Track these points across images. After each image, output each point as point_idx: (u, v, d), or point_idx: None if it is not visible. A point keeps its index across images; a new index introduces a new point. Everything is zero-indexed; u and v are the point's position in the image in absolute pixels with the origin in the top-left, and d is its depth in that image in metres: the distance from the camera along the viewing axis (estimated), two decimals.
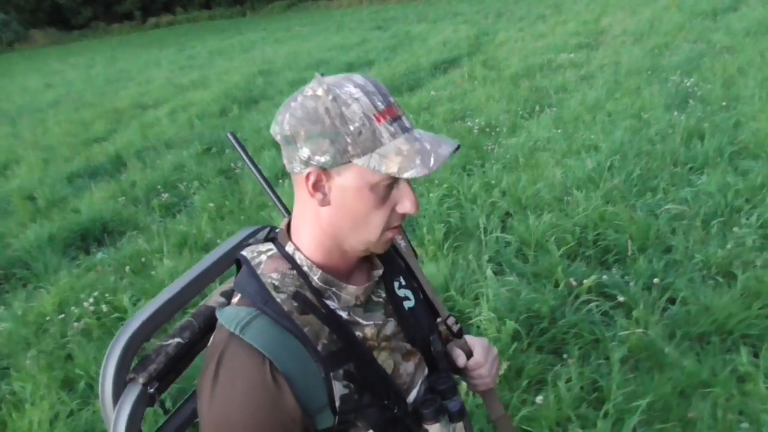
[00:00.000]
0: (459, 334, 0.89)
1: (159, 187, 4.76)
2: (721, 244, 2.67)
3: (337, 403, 0.68)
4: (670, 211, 3.00)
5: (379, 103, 0.67)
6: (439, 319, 0.90)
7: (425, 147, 0.66)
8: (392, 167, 0.65)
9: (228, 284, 0.85)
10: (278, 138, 0.70)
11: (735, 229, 2.79)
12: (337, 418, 0.69)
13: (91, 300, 2.96)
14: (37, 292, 3.31)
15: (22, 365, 2.57)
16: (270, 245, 0.75)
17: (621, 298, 2.41)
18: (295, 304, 0.69)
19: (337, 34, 13.77)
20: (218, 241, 3.62)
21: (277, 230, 0.80)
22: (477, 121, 5.07)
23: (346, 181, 0.68)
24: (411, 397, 0.78)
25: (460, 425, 0.80)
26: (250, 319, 0.67)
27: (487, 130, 4.87)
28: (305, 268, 0.73)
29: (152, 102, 8.57)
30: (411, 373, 0.79)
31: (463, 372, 0.90)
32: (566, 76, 6.10)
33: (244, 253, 0.75)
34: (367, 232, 0.71)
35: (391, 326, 0.78)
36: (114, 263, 3.53)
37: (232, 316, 0.68)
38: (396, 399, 0.75)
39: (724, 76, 5.11)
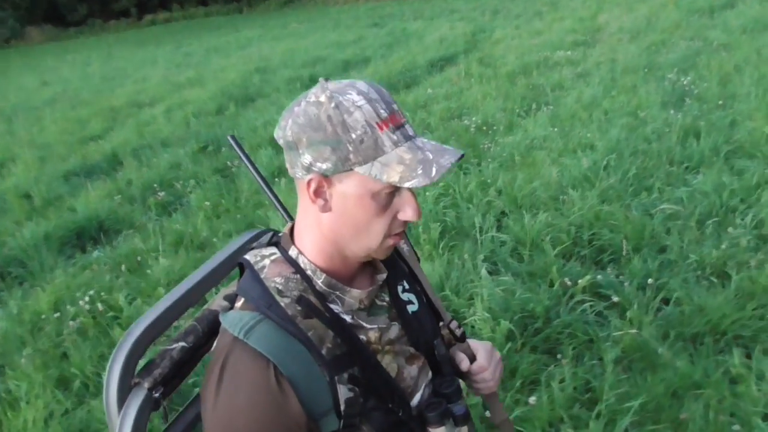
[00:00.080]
0: (462, 338, 0.90)
1: (155, 185, 4.75)
2: (716, 245, 2.68)
3: (342, 407, 0.69)
4: (665, 210, 3.01)
5: (381, 111, 0.66)
6: (441, 323, 0.90)
7: (427, 156, 0.66)
8: (394, 176, 0.65)
9: (231, 288, 0.85)
10: (281, 142, 0.71)
11: (730, 229, 2.80)
12: (342, 422, 0.69)
13: (87, 299, 2.96)
14: (33, 291, 3.31)
15: (17, 364, 2.58)
16: (273, 249, 0.75)
17: (615, 299, 2.42)
18: (299, 308, 0.69)
19: (334, 32, 13.73)
20: (214, 239, 3.62)
21: (280, 234, 0.80)
22: (474, 119, 5.07)
23: (347, 189, 0.68)
24: (415, 400, 0.78)
25: (464, 429, 0.80)
26: (254, 323, 0.67)
27: (484, 128, 4.87)
28: (309, 272, 0.73)
29: (148, 100, 8.54)
30: (415, 377, 0.79)
31: (467, 376, 0.91)
32: (563, 74, 6.10)
33: (247, 257, 0.76)
34: (368, 239, 0.71)
35: (394, 330, 0.78)
36: (110, 262, 3.53)
37: (236, 320, 0.68)
38: (400, 403, 0.75)
39: (720, 74, 5.11)
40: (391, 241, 0.73)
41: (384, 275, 0.80)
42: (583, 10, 10.09)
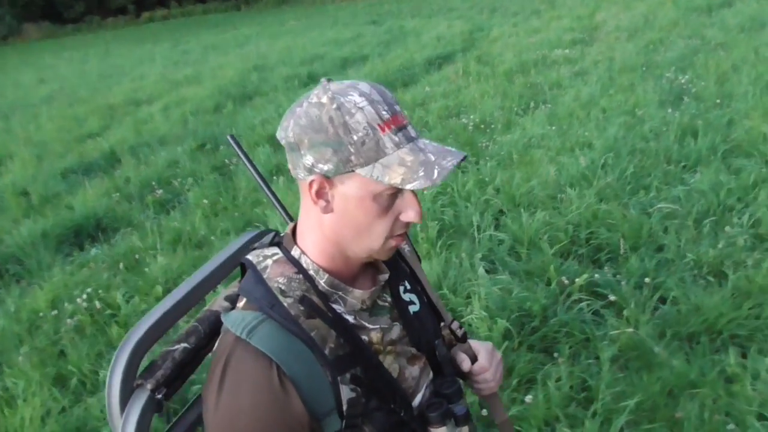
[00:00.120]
0: (463, 339, 0.90)
1: (153, 183, 4.75)
2: (713, 244, 2.69)
3: (345, 407, 0.69)
4: (662, 209, 3.02)
5: (384, 113, 0.66)
6: (443, 324, 0.91)
7: (429, 158, 0.66)
8: (395, 178, 0.65)
9: (232, 288, 0.85)
10: (283, 143, 0.71)
11: (727, 228, 2.80)
12: (344, 422, 0.70)
13: (85, 297, 2.95)
14: (31, 289, 3.31)
15: (14, 362, 2.57)
16: (275, 249, 0.75)
17: (612, 297, 2.43)
18: (302, 308, 0.69)
19: (332, 29, 13.70)
20: (212, 238, 3.62)
21: (282, 235, 0.80)
22: (471, 117, 5.07)
23: (349, 190, 0.68)
24: (416, 401, 0.79)
25: (465, 429, 0.81)
26: (257, 323, 0.67)
27: (482, 126, 4.87)
28: (311, 272, 0.73)
29: (146, 98, 8.52)
30: (416, 377, 0.79)
31: (468, 376, 0.91)
32: (560, 72, 6.10)
33: (249, 257, 0.76)
34: (369, 240, 0.71)
35: (396, 330, 0.78)
36: (107, 260, 3.52)
37: (239, 320, 0.68)
38: (402, 403, 0.75)
39: (718, 73, 5.12)
40: (393, 243, 0.73)
41: (386, 276, 0.80)
42: (581, 8, 10.09)
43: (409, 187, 0.65)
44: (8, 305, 3.11)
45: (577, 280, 2.50)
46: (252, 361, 0.65)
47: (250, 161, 0.90)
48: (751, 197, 3.05)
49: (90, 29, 29.53)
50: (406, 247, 0.91)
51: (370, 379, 0.72)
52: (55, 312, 2.93)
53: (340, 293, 0.74)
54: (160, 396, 0.73)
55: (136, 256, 3.49)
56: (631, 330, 2.21)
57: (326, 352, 0.68)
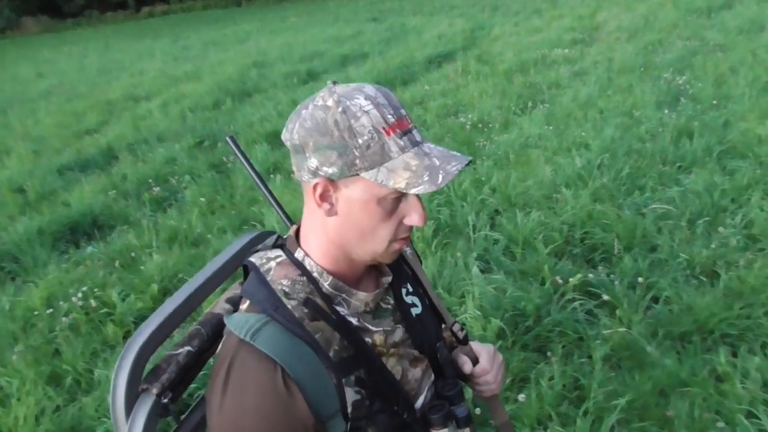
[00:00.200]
0: (465, 341, 0.90)
1: (150, 180, 4.74)
2: (706, 244, 2.70)
3: (349, 410, 0.69)
4: (656, 210, 3.03)
5: (389, 116, 0.66)
6: (444, 326, 0.91)
7: (434, 163, 0.66)
8: (400, 182, 0.65)
9: (233, 290, 0.84)
10: (288, 145, 0.71)
11: (720, 229, 2.82)
12: (349, 424, 0.70)
13: (80, 295, 2.96)
14: (26, 287, 3.31)
15: (8, 360, 2.57)
16: (279, 252, 0.75)
17: (606, 297, 2.44)
18: (306, 310, 0.69)
19: (333, 26, 13.68)
20: (209, 236, 3.63)
21: (285, 237, 0.80)
22: (470, 116, 5.07)
23: (353, 194, 0.68)
24: (418, 403, 0.79)
25: (467, 431, 0.81)
26: (261, 325, 0.67)
27: (480, 126, 4.88)
28: (315, 274, 0.73)
29: (145, 94, 8.51)
30: (418, 380, 0.80)
31: (469, 378, 0.91)
32: (560, 72, 6.10)
33: (252, 259, 0.75)
34: (373, 244, 0.71)
35: (399, 333, 0.79)
36: (103, 258, 3.53)
37: (242, 322, 0.68)
38: (405, 405, 0.75)
39: (715, 75, 5.12)
40: (396, 246, 0.73)
41: (389, 278, 0.80)
42: (582, 8, 10.09)
43: (413, 191, 0.65)
44: (3, 303, 3.10)
45: (571, 279, 2.51)
46: (256, 364, 0.65)
47: (249, 163, 0.90)
48: (744, 198, 3.06)
49: (89, 24, 29.47)
50: (407, 250, 0.91)
51: (373, 381, 0.72)
52: (50, 310, 2.93)
53: (344, 295, 0.74)
54: (165, 400, 0.73)
55: (132, 254, 3.49)
56: (623, 329, 2.23)
57: (331, 354, 0.69)
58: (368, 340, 0.74)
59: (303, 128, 0.68)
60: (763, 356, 2.03)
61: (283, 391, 0.65)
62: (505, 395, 2.04)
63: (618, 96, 4.97)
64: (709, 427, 1.78)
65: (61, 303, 2.95)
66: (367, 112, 0.66)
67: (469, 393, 0.97)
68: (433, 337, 0.85)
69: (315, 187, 0.69)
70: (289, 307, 0.69)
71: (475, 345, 0.92)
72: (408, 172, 0.65)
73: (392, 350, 0.76)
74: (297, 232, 0.77)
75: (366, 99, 0.66)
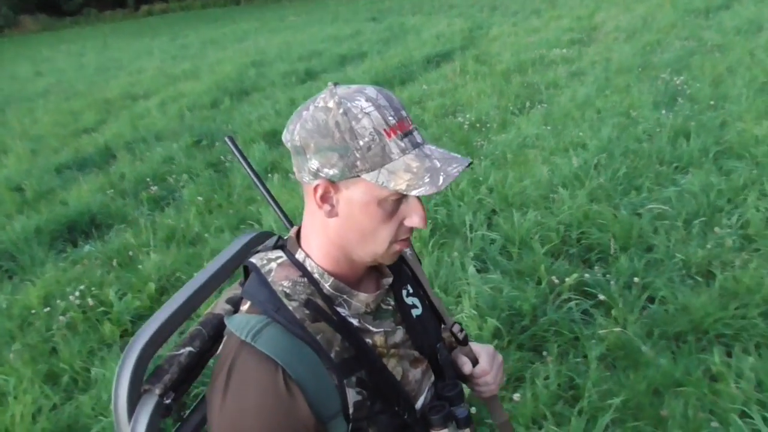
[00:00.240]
0: (464, 342, 0.90)
1: (148, 179, 4.74)
2: (702, 244, 2.71)
3: (351, 410, 0.69)
4: (653, 210, 3.04)
5: (390, 118, 0.67)
6: (444, 326, 0.91)
7: (435, 164, 0.67)
8: (400, 184, 0.66)
9: (233, 291, 0.84)
10: (288, 146, 0.71)
11: (716, 229, 2.82)
12: (350, 425, 0.70)
13: (77, 294, 2.96)
14: (23, 285, 3.31)
15: (5, 359, 2.58)
16: (279, 253, 0.76)
17: (601, 297, 2.44)
18: (307, 311, 0.70)
19: (332, 25, 13.68)
20: (206, 235, 3.63)
21: (285, 238, 0.81)
22: (467, 116, 5.08)
23: (354, 195, 0.68)
24: (418, 404, 0.80)
25: (467, 431, 0.82)
26: (262, 326, 0.67)
27: (478, 125, 4.88)
28: (316, 276, 0.73)
29: (143, 92, 8.50)
30: (419, 380, 0.80)
31: (469, 379, 0.92)
32: (558, 72, 6.11)
33: (252, 260, 0.75)
34: (374, 245, 0.71)
35: (399, 334, 0.79)
36: (101, 257, 3.53)
37: (243, 323, 0.68)
38: (406, 406, 0.76)
39: (713, 75, 5.13)
40: (397, 247, 0.73)
41: (390, 279, 0.80)
42: (581, 8, 10.09)
43: (414, 193, 0.66)
44: (0, 301, 3.10)
45: (567, 279, 2.52)
46: (257, 365, 0.65)
47: (248, 162, 0.90)
48: (740, 199, 3.07)
49: (88, 22, 29.43)
50: (407, 251, 0.91)
51: (374, 382, 0.72)
52: (47, 309, 2.94)
53: (345, 297, 0.74)
54: (168, 401, 0.73)
55: (130, 253, 3.49)
56: (619, 329, 2.23)
57: (332, 355, 0.69)
58: (369, 341, 0.74)
59: (304, 130, 0.68)
60: (757, 356, 2.04)
61: (284, 392, 0.65)
62: (500, 394, 2.04)
63: (615, 96, 4.98)
64: (703, 427, 1.79)
65: (58, 301, 2.95)
66: (368, 113, 0.66)
67: (466, 392, 0.97)
68: (433, 338, 0.85)
69: (316, 188, 0.69)
70: (290, 308, 0.69)
71: (474, 346, 0.92)
72: (409, 173, 0.66)
73: (393, 351, 0.77)
74: (297, 234, 0.78)
75: (367, 101, 0.67)
